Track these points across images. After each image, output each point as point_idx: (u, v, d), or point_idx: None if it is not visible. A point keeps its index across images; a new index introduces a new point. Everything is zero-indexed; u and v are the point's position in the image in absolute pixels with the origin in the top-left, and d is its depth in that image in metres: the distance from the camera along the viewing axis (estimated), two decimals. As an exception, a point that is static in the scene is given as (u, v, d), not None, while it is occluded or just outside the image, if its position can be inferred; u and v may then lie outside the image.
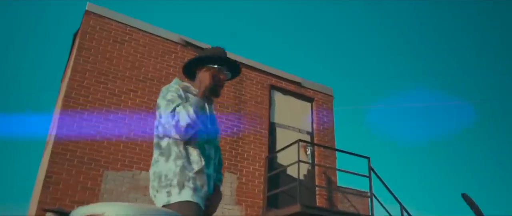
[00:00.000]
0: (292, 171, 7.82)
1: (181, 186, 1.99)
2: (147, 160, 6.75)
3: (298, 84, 8.92)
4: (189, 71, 2.35)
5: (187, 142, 2.07)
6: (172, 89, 2.16)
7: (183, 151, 2.06)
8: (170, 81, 7.37)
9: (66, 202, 6.01)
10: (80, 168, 6.25)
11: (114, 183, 6.41)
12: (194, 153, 2.07)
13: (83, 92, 6.67)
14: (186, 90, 2.24)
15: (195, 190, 2.00)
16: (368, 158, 7.68)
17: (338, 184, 8.68)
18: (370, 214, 7.31)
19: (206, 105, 2.23)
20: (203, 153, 2.10)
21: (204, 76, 2.23)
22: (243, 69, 8.34)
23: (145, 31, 7.54)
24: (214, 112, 2.36)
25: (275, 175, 7.95)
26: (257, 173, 7.70)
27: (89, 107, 6.64)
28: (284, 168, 7.96)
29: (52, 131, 6.94)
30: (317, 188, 8.22)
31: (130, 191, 6.47)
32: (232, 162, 7.51)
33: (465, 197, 6.03)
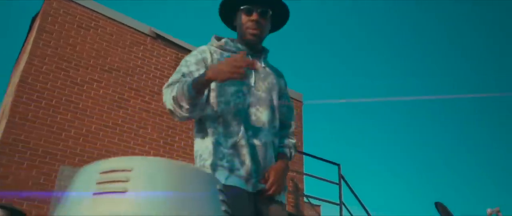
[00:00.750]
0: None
1: (214, 168, 1.63)
2: (108, 156, 6.22)
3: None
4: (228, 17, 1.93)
5: (217, 110, 1.69)
6: (188, 59, 1.77)
7: (219, 124, 1.69)
8: (137, 74, 6.92)
9: (15, 198, 5.38)
10: (33, 162, 5.63)
11: (70, 179, 5.82)
12: (233, 123, 1.68)
13: (41, 78, 6.07)
14: (222, 48, 1.83)
15: (231, 169, 1.62)
16: (338, 165, 7.54)
17: (305, 192, 8.47)
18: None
19: (251, 59, 1.79)
20: (245, 121, 1.69)
21: (239, 23, 1.85)
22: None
23: (113, 19, 7.04)
24: (265, 65, 1.89)
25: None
26: (224, 176, 7.33)
27: (47, 95, 6.04)
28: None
29: (2, 118, 6.26)
30: (284, 195, 7.96)
31: (88, 189, 5.90)
32: (199, 164, 7.11)
33: (438, 206, 5.97)
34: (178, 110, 1.60)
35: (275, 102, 1.83)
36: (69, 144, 5.99)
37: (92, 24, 6.81)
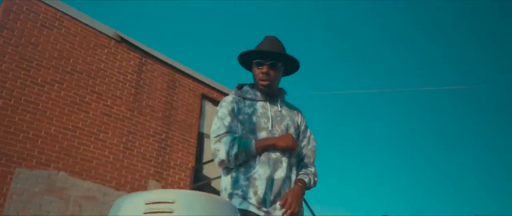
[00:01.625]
0: (217, 184, 7.66)
1: (231, 196, 1.90)
2: (67, 160, 6.14)
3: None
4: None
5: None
6: (223, 112, 2.04)
7: (242, 163, 1.96)
8: (100, 77, 6.88)
9: (-34, 200, 5.20)
10: (-13, 162, 5.46)
11: (26, 183, 5.70)
12: (251, 163, 1.94)
13: (0, 77, 5.90)
14: (243, 96, 2.11)
15: (244, 197, 1.86)
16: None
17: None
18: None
19: (269, 105, 2.10)
20: (264, 159, 1.94)
21: (254, 76, 2.13)
22: (177, 75, 8.08)
23: (78, 20, 6.95)
24: (281, 108, 2.15)
25: (200, 187, 7.72)
26: (182, 183, 7.40)
27: (5, 94, 5.87)
28: (209, 181, 7.78)
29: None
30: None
31: (44, 193, 5.80)
32: (158, 170, 7.15)
33: (385, 219, 6.40)
34: (233, 162, 1.92)
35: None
36: (27, 146, 5.85)
37: (56, 24, 6.70)
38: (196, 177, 7.80)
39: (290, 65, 2.19)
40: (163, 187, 7.10)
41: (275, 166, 1.94)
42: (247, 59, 2.15)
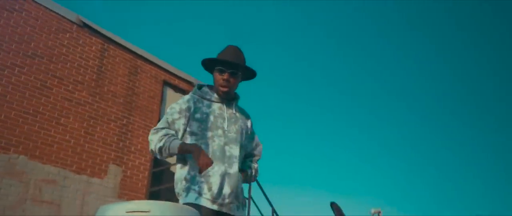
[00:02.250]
0: (175, 169, 7.92)
1: (187, 191, 2.15)
2: (28, 144, 6.22)
3: (190, 83, 9.06)
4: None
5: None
6: (173, 107, 2.32)
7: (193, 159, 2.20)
8: (61, 62, 6.92)
9: None
10: None
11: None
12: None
13: (-41, 60, 5.85)
14: (202, 97, 2.36)
15: (200, 193, 2.12)
16: (250, 162, 8.22)
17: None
18: (246, 214, 7.84)
19: (225, 107, 2.36)
20: (220, 156, 2.20)
21: (214, 81, 2.40)
22: (138, 61, 8.19)
23: (39, 4, 6.91)
24: (235, 111, 2.40)
25: (160, 171, 7.98)
26: (142, 167, 7.63)
27: (-36, 77, 5.85)
28: (169, 166, 8.03)
29: None
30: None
31: (4, 176, 5.87)
32: (119, 154, 7.33)
33: (333, 205, 6.89)
34: (158, 155, 2.23)
35: (243, 141, 2.38)
36: (-14, 129, 5.88)
37: (17, 7, 6.65)
38: (156, 162, 8.03)
39: (248, 74, 2.47)
40: (124, 171, 7.30)
41: (229, 162, 2.22)
42: (209, 65, 2.42)
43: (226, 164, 2.21)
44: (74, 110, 6.93)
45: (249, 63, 2.44)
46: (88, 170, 6.82)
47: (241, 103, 2.56)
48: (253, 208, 8.24)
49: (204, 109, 2.32)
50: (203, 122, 2.28)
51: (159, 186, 7.77)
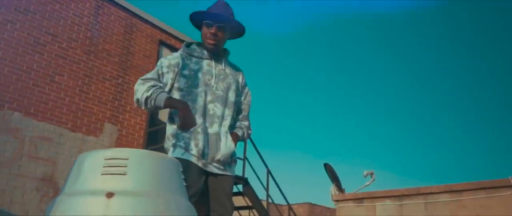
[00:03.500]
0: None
1: (174, 147, 2.16)
2: (22, 101, 6.21)
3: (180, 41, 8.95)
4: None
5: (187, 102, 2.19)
6: (163, 61, 2.28)
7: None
8: (55, 18, 6.80)
9: None
10: None
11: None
12: (195, 116, 2.18)
13: (-51, 14, 5.75)
14: (191, 54, 2.33)
15: (186, 149, 2.13)
16: (245, 124, 8.26)
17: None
18: (242, 175, 7.95)
19: (214, 63, 2.33)
20: (204, 114, 2.20)
21: (202, 36, 2.35)
22: (134, 20, 8.07)
23: (31, -42, 6.73)
24: (225, 67, 2.37)
25: (155, 131, 8.01)
26: (138, 126, 7.66)
27: (-45, 32, 5.76)
28: (164, 125, 8.05)
29: None
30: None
31: (-1, 132, 5.90)
32: (114, 113, 7.34)
33: (326, 166, 6.99)
34: (143, 105, 2.18)
35: (232, 99, 2.33)
36: (-20, 85, 5.85)
37: (7, -40, 6.47)
38: (151, 122, 8.05)
39: (236, 30, 2.41)
40: (119, 130, 7.33)
41: (211, 121, 2.22)
42: (197, 19, 2.36)
43: (208, 123, 2.21)
44: (69, 68, 6.87)
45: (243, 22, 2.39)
46: (84, 128, 6.84)
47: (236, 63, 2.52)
48: (248, 169, 8.35)
49: (192, 66, 2.30)
50: (191, 78, 2.26)
51: (155, 146, 7.82)
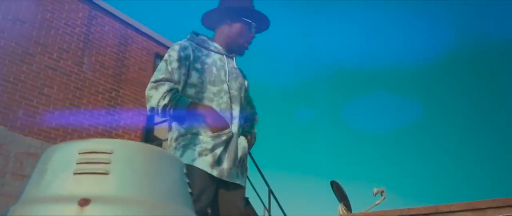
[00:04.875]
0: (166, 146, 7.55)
1: (185, 149, 1.79)
2: (7, 114, 5.80)
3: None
4: (210, 21, 2.09)
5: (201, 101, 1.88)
6: (171, 54, 1.89)
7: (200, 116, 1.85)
8: (45, 28, 6.44)
9: None
10: None
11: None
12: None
13: None
14: (201, 44, 1.99)
15: (200, 153, 1.77)
16: (245, 140, 7.86)
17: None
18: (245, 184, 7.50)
19: (226, 59, 2.02)
20: (227, 115, 1.89)
21: (235, 31, 2.03)
22: (129, 31, 7.73)
23: (21, -36, 6.41)
24: (235, 66, 2.09)
25: (150, 147, 7.61)
26: (132, 143, 7.22)
27: None
28: (160, 142, 7.64)
29: None
30: (190, 165, 8.10)
31: (-19, 148, 5.45)
32: (106, 129, 6.91)
33: (333, 184, 6.56)
34: (160, 114, 1.81)
35: (243, 100, 2.03)
36: (-39, 97, 5.44)
37: (-4, -33, 6.15)
38: (146, 138, 7.63)
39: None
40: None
41: (233, 123, 1.90)
42: (228, 13, 2.03)
43: (231, 125, 1.89)
44: (59, 80, 6.48)
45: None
46: (74, 144, 6.40)
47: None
48: (249, 188, 7.89)
49: (205, 59, 1.95)
50: (205, 73, 1.91)
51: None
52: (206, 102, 1.85)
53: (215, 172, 1.77)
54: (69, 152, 1.06)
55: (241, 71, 2.13)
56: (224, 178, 1.80)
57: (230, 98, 1.92)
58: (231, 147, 1.84)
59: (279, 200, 8.23)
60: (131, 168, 1.06)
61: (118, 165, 1.04)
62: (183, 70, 1.86)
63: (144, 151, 1.11)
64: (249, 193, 8.00)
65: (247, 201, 7.54)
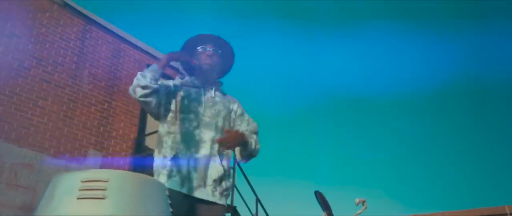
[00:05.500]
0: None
1: (158, 174, 2.08)
2: (3, 126, 6.00)
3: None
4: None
5: (170, 130, 2.15)
6: (174, 80, 2.35)
7: (166, 141, 2.15)
8: (40, 42, 6.67)
9: None
10: None
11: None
12: (176, 141, 2.13)
13: None
14: (183, 84, 2.32)
15: (169, 176, 2.04)
16: (234, 150, 8.09)
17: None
18: (230, 203, 7.72)
19: (203, 91, 2.31)
20: (188, 140, 2.12)
21: (194, 63, 2.33)
22: (122, 45, 7.97)
23: (17, -19, 6.64)
24: (215, 95, 2.34)
25: (141, 157, 7.80)
26: (123, 153, 7.43)
27: None
28: (151, 151, 7.85)
29: None
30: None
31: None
32: (99, 139, 7.13)
33: (317, 194, 6.82)
34: (139, 88, 2.07)
35: (221, 124, 2.25)
36: (-41, 109, 5.64)
37: (-7, -17, 6.37)
38: (138, 148, 7.84)
39: (226, 65, 2.44)
40: (104, 157, 7.11)
41: (197, 147, 2.12)
42: (190, 49, 2.37)
43: (193, 149, 2.12)
44: (53, 93, 6.69)
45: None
46: (67, 154, 6.61)
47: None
48: (237, 197, 8.12)
49: (182, 93, 2.27)
50: (177, 105, 2.22)
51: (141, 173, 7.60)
52: (175, 127, 2.14)
53: (184, 190, 2.02)
54: (72, 181, 1.32)
55: (226, 98, 2.38)
56: (195, 195, 2.03)
57: (198, 124, 2.17)
58: (201, 167, 2.08)
59: (266, 209, 8.46)
60: (123, 193, 1.31)
61: (113, 191, 1.30)
62: (170, 88, 2.24)
63: (134, 179, 1.37)
64: (237, 202, 8.23)
65: (234, 210, 7.78)
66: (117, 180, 1.32)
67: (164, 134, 2.17)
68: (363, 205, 6.49)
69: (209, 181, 2.09)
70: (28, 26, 6.62)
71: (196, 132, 2.15)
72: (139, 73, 2.11)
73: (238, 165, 8.06)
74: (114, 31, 7.85)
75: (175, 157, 2.07)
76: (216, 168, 2.13)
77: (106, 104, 7.39)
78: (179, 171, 2.04)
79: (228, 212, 7.81)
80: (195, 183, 2.05)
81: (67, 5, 7.21)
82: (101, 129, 7.21)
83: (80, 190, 1.28)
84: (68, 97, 6.87)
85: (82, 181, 1.30)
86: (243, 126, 2.36)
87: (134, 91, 2.09)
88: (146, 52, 8.35)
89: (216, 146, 2.16)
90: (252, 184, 8.31)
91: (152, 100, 2.10)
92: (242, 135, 2.15)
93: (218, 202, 2.12)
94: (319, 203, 6.93)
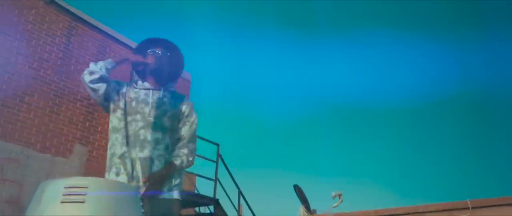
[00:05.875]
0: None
1: (109, 169, 2.32)
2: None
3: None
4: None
5: (118, 128, 2.35)
6: (118, 81, 2.57)
7: (114, 139, 2.36)
8: (26, 38, 6.79)
9: None
10: None
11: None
12: (126, 140, 2.31)
13: None
14: (133, 86, 2.52)
15: (117, 173, 2.27)
16: (217, 145, 8.32)
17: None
18: (213, 196, 7.98)
19: (152, 93, 2.46)
20: (133, 140, 2.30)
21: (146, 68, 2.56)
22: (108, 41, 8.11)
23: (3, -22, 6.74)
24: (163, 96, 2.46)
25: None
26: (108, 147, 7.61)
27: None
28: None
29: None
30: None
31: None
32: (84, 134, 7.30)
33: (296, 188, 7.10)
34: (89, 74, 2.41)
35: (167, 124, 2.39)
36: None
37: (-21, -19, 6.47)
38: (123, 142, 8.02)
39: (175, 67, 2.59)
40: (90, 151, 7.29)
41: (142, 146, 2.30)
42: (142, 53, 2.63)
43: (138, 148, 2.29)
44: (39, 89, 6.84)
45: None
46: (53, 149, 6.78)
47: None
48: (219, 189, 8.38)
49: (130, 94, 2.45)
50: (126, 106, 2.40)
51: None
52: (122, 125, 2.35)
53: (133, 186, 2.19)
54: (57, 186, 1.54)
55: (176, 99, 2.49)
56: (143, 191, 2.17)
57: (144, 124, 2.33)
58: (145, 166, 2.26)
59: (249, 201, 8.73)
60: (100, 198, 1.54)
61: (91, 196, 1.52)
62: (112, 84, 2.46)
63: (110, 185, 1.60)
64: (219, 195, 8.49)
65: (217, 203, 8.03)
66: (95, 186, 1.55)
67: (113, 130, 2.38)
68: (339, 198, 6.80)
69: (155, 178, 2.24)
70: (14, 23, 6.74)
71: (141, 132, 2.32)
72: (92, 63, 2.38)
73: (221, 158, 8.30)
74: (100, 27, 7.99)
75: (122, 156, 2.28)
76: (161, 166, 2.29)
77: (91, 99, 7.55)
78: (125, 169, 2.26)
79: (210, 204, 8.06)
80: (140, 182, 2.23)
81: (53, 2, 7.33)
82: (87, 124, 7.38)
83: (64, 195, 1.51)
84: (54, 93, 7.01)
85: (65, 187, 1.52)
86: (184, 129, 2.45)
87: (83, 77, 2.37)
88: (131, 48, 8.50)
89: (161, 147, 2.32)
90: (235, 177, 8.55)
91: (99, 87, 2.35)
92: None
93: (169, 197, 2.29)
94: (298, 196, 7.22)
